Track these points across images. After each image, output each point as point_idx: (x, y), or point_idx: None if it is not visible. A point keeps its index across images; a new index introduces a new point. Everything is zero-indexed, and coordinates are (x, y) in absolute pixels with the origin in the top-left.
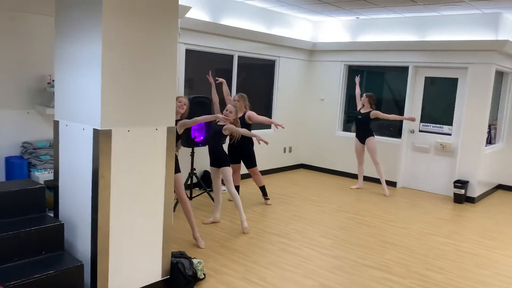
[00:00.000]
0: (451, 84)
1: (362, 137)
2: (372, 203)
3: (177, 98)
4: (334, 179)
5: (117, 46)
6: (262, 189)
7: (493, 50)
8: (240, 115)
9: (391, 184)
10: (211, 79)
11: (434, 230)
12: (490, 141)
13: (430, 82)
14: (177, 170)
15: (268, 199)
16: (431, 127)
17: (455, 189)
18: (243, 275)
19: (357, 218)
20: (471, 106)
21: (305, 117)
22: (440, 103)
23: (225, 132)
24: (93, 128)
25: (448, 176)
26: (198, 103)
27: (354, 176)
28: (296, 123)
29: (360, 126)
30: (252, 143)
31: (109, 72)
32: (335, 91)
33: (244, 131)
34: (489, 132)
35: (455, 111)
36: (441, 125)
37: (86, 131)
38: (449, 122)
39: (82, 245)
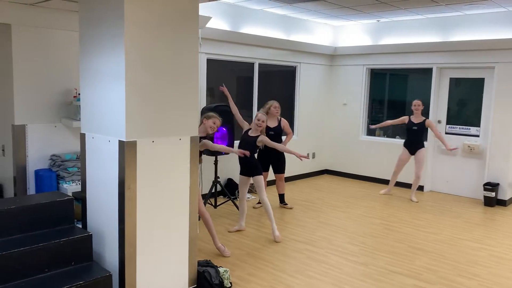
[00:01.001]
0: (477, 85)
1: (413, 148)
2: (399, 208)
3: (212, 117)
4: (359, 184)
5: (139, 59)
6: (282, 196)
7: None
8: (275, 124)
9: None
10: (226, 91)
11: (466, 235)
12: None
13: (455, 83)
14: None
15: (287, 204)
16: (457, 129)
17: (485, 192)
18: (270, 284)
19: (384, 224)
20: (499, 106)
21: (328, 122)
22: (467, 104)
23: (259, 144)
24: (119, 140)
25: (477, 179)
26: (220, 112)
27: (378, 181)
28: (319, 128)
29: (414, 137)
30: None
31: (132, 85)
32: (358, 95)
33: (281, 147)
34: None
35: (482, 112)
36: (469, 127)
37: (111, 143)
38: (477, 123)
39: (110, 256)
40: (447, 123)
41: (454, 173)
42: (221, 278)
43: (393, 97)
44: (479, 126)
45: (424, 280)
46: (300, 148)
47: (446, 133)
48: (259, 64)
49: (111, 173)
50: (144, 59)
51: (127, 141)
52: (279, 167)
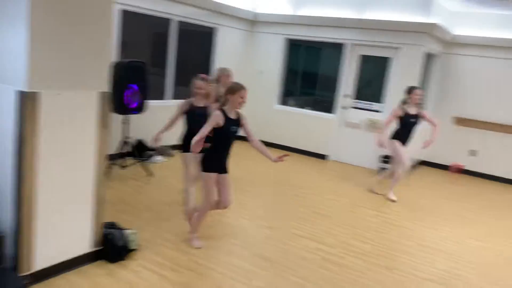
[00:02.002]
0: (383, 63)
1: (406, 141)
2: (305, 174)
3: (237, 90)
4: (272, 152)
5: (48, 1)
6: None
7: (423, 32)
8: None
9: (320, 157)
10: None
11: (363, 203)
12: None
13: (364, 60)
14: (208, 168)
15: None
16: (362, 104)
17: (381, 164)
18: (177, 246)
19: (291, 190)
20: (401, 84)
21: None
22: (372, 81)
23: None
24: (18, 90)
25: (376, 151)
26: (132, 68)
27: (290, 149)
28: None
29: (410, 129)
30: None
31: (38, 29)
32: (275, 65)
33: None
34: None
35: (386, 90)
36: (372, 103)
37: (8, 93)
38: (380, 100)
39: (3, 215)
40: (354, 98)
41: (356, 144)
42: (127, 240)
43: (307, 69)
44: (381, 103)
45: (325, 244)
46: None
47: (352, 107)
48: (177, 22)
49: (7, 126)
50: (53, 1)
51: (29, 92)
52: None
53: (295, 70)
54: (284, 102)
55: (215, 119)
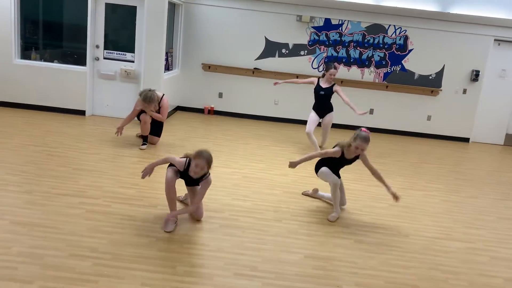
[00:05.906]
0: (131, 12)
1: (321, 112)
2: (61, 134)
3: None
4: (16, 112)
5: None
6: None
7: None
8: None
9: (82, 113)
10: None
11: (125, 152)
12: (168, 67)
13: (111, 10)
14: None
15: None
16: (115, 54)
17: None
18: None
19: (47, 150)
20: (149, 34)
21: None
22: (122, 31)
23: None
24: None
25: (133, 101)
26: None
27: (41, 109)
28: None
29: (321, 101)
30: None
31: None
32: (5, 13)
33: None
34: (166, 59)
35: (136, 39)
36: (125, 53)
37: None
38: (132, 50)
39: None
40: (105, 48)
41: (113, 97)
42: None
43: (50, 18)
44: (134, 52)
45: (88, 197)
46: None
47: (105, 58)
48: None
49: None
50: None
51: None
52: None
53: (34, 19)
54: (26, 56)
55: None
